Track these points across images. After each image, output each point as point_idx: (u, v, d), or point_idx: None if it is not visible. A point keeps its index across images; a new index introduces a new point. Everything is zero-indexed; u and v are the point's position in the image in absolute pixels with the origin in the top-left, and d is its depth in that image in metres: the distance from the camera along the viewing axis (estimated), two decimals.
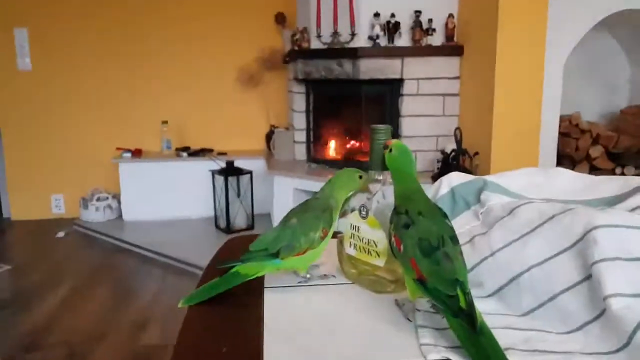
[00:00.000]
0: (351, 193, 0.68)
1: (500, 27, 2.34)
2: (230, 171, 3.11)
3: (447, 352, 0.48)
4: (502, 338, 0.50)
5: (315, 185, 2.76)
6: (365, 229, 0.64)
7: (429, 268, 0.49)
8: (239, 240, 0.83)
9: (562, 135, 2.74)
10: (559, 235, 0.56)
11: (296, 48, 2.99)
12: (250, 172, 3.16)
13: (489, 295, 0.60)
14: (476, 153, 2.49)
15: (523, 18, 2.35)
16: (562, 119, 2.71)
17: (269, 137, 3.52)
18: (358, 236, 0.65)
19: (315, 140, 3.19)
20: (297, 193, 2.94)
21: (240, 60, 3.48)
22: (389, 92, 2.81)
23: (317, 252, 0.65)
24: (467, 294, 0.48)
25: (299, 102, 3.18)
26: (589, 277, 0.53)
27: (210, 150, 3.49)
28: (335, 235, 0.68)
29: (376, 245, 0.63)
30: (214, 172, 3.18)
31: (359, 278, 0.66)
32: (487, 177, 0.75)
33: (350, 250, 0.66)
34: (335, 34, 2.80)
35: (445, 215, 0.55)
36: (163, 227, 3.23)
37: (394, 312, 0.58)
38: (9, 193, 3.58)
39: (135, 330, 2.02)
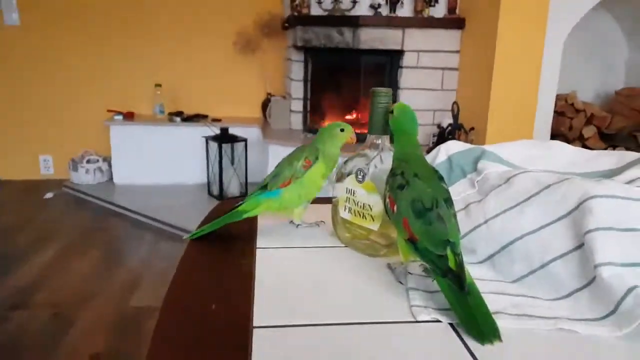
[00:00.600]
0: (336, 146, 0.68)
1: (503, 1, 2.31)
2: (225, 138, 3.09)
3: (436, 313, 0.48)
4: (492, 303, 0.51)
5: None
6: (361, 193, 0.64)
7: (420, 228, 0.50)
8: (230, 204, 0.82)
9: (557, 114, 2.74)
10: (555, 204, 0.56)
11: (296, 14, 2.93)
12: (245, 140, 3.14)
13: (480, 262, 0.60)
14: (472, 128, 2.49)
15: None
16: (558, 97, 2.70)
17: (265, 105, 3.48)
18: (353, 200, 0.65)
19: (312, 110, 3.16)
20: None
21: (237, 24, 3.40)
22: (388, 63, 2.78)
23: (302, 184, 0.67)
24: (457, 254, 0.48)
25: (297, 70, 3.14)
26: (581, 245, 0.53)
27: (205, 117, 3.45)
28: (330, 200, 0.68)
29: (371, 209, 0.63)
30: (207, 139, 3.16)
31: (352, 242, 0.66)
32: (485, 147, 0.74)
33: (344, 214, 0.66)
34: (337, 0, 2.75)
35: (441, 178, 0.55)
36: (155, 191, 3.22)
37: (386, 275, 0.58)
38: None
39: (124, 292, 2.03)
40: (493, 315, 0.48)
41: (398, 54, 2.73)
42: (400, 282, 0.55)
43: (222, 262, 0.60)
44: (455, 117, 2.53)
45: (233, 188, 3.12)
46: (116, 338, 1.73)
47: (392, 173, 0.56)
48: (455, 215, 0.52)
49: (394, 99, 2.78)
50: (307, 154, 0.67)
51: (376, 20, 2.66)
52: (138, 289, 2.06)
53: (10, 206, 3.14)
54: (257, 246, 0.65)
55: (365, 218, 0.63)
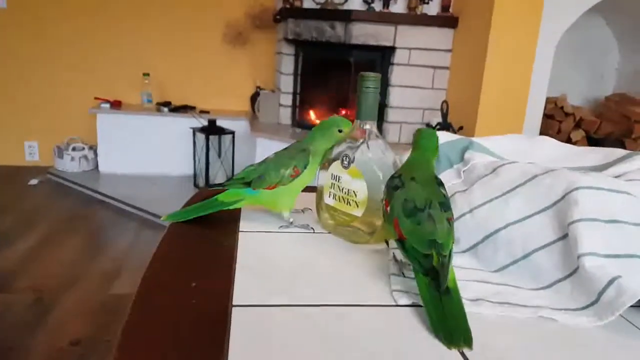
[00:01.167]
0: (331, 145, 0.66)
1: (497, 1, 2.31)
2: (212, 130, 3.06)
3: (417, 298, 0.48)
4: (473, 290, 0.50)
5: None
6: (346, 178, 0.63)
7: (409, 227, 0.49)
8: (211, 193, 0.81)
9: (546, 116, 2.76)
10: (540, 195, 0.56)
11: (287, 6, 2.91)
12: (233, 133, 3.12)
13: (464, 251, 0.60)
14: (460, 127, 2.50)
15: None
16: (548, 100, 2.72)
17: (254, 98, 3.46)
18: (338, 186, 0.64)
19: (302, 105, 3.15)
20: None
21: (228, 15, 3.38)
22: (379, 59, 2.77)
23: (287, 190, 0.65)
24: (442, 256, 0.47)
25: (287, 64, 3.12)
26: (565, 236, 0.53)
27: (193, 108, 3.42)
28: (315, 188, 0.67)
29: (356, 196, 0.62)
30: (195, 130, 3.13)
31: (335, 228, 0.65)
32: (473, 138, 0.74)
33: (329, 200, 0.65)
34: None
35: (441, 184, 0.54)
36: (140, 181, 3.19)
37: (368, 260, 0.57)
38: None
39: (106, 279, 2.01)
40: (474, 303, 0.48)
41: (390, 50, 2.72)
42: (403, 275, 0.54)
43: (204, 244, 0.59)
44: (445, 116, 2.54)
45: (219, 180, 3.10)
46: (97, 324, 1.71)
47: (391, 176, 0.56)
48: (450, 220, 0.50)
49: (385, 95, 2.78)
50: (296, 162, 0.65)
51: (369, 16, 2.65)
52: (120, 276, 2.03)
53: None
54: (240, 229, 0.64)
55: (350, 204, 0.63)
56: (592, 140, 2.76)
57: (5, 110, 3.42)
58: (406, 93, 2.78)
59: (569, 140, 2.79)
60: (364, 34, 2.67)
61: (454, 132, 2.51)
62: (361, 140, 0.63)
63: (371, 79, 0.62)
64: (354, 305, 0.47)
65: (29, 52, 3.36)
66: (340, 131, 0.65)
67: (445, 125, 2.52)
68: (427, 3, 2.68)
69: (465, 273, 0.55)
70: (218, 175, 3.10)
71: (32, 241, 2.33)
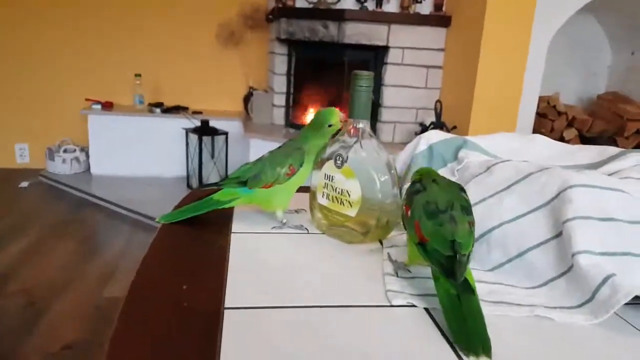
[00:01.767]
0: (325, 141, 0.66)
1: (490, 1, 2.32)
2: (205, 131, 3.05)
3: (412, 298, 0.47)
4: None
5: None
6: (340, 178, 0.62)
7: (431, 229, 0.48)
8: (205, 193, 0.80)
9: (539, 115, 2.77)
10: (534, 193, 0.56)
11: (280, 6, 2.90)
12: (226, 133, 3.10)
13: None
14: (454, 127, 2.50)
15: None
16: (541, 99, 2.73)
17: (247, 99, 3.45)
18: (332, 186, 0.63)
19: (295, 105, 3.14)
20: None
21: (220, 14, 3.36)
22: (373, 59, 2.77)
23: (283, 189, 0.65)
24: (462, 255, 0.45)
25: (280, 64, 3.11)
26: (559, 234, 0.52)
27: (185, 109, 3.40)
28: (309, 189, 0.67)
29: (349, 195, 0.61)
30: (187, 131, 3.11)
31: (329, 228, 0.65)
32: (467, 137, 0.73)
33: (322, 200, 0.65)
34: None
35: (463, 190, 0.53)
36: (132, 183, 3.16)
37: (362, 260, 0.57)
38: None
39: (99, 283, 1.99)
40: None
41: (383, 50, 2.72)
42: (397, 275, 0.53)
43: (196, 245, 0.58)
44: (438, 115, 2.54)
45: (212, 181, 3.08)
46: (89, 328, 1.69)
47: (412, 183, 0.55)
48: (472, 224, 0.49)
49: (378, 94, 2.78)
50: (291, 161, 0.64)
51: (362, 15, 2.65)
52: (112, 279, 2.02)
53: None
54: (232, 231, 0.63)
55: (343, 204, 0.62)
56: (585, 139, 2.77)
57: None
58: (400, 93, 2.78)
59: (561, 139, 2.80)
60: (357, 33, 2.67)
61: (448, 131, 2.51)
62: (354, 140, 0.62)
63: (364, 78, 0.61)
64: (348, 306, 0.46)
65: (20, 53, 3.33)
66: (330, 126, 0.65)
67: (438, 125, 2.52)
68: (420, 2, 2.68)
69: None
70: (211, 176, 3.08)
71: (23, 244, 2.30)
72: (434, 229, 0.47)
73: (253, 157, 2.99)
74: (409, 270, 0.53)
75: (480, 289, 0.50)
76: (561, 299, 0.49)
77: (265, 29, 3.34)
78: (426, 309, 0.46)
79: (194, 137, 3.04)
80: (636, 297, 0.45)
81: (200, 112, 3.36)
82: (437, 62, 2.76)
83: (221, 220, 0.66)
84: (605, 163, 0.67)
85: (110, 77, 3.44)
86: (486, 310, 0.46)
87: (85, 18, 3.34)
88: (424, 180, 0.54)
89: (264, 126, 3.15)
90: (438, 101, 2.57)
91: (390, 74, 2.76)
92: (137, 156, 3.28)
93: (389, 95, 2.78)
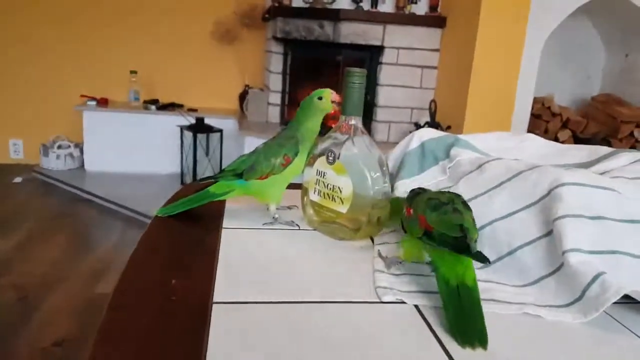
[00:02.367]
0: (319, 121, 0.66)
1: (485, 1, 2.32)
2: (200, 128, 3.04)
3: (401, 295, 0.47)
4: None
5: None
6: (331, 174, 0.62)
7: (436, 218, 0.49)
8: (199, 187, 0.80)
9: (533, 116, 2.78)
10: (525, 191, 0.56)
11: (276, 5, 2.90)
12: (221, 131, 3.09)
13: None
14: (448, 127, 2.50)
15: None
16: (535, 100, 2.74)
17: (242, 97, 3.44)
18: (323, 182, 0.63)
19: (290, 103, 3.14)
20: None
21: (217, 12, 3.35)
22: (368, 59, 2.77)
23: (279, 179, 0.65)
24: (471, 239, 0.47)
25: (276, 62, 3.11)
26: (550, 232, 0.52)
27: (180, 106, 3.39)
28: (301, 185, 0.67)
29: (341, 192, 0.61)
30: (182, 128, 3.10)
31: (320, 225, 0.64)
32: (459, 135, 0.73)
33: (314, 197, 0.65)
34: None
35: (459, 196, 0.54)
36: (126, 179, 3.15)
37: (352, 257, 0.57)
38: None
39: (91, 279, 1.98)
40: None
41: (378, 49, 2.72)
42: (387, 270, 0.53)
43: (186, 240, 0.58)
44: (433, 115, 2.54)
45: None
46: (81, 324, 1.69)
47: (411, 190, 0.57)
48: (472, 218, 0.50)
49: (373, 94, 2.78)
50: (286, 150, 0.64)
51: (357, 15, 2.65)
52: (105, 276, 2.01)
53: None
54: (223, 226, 0.63)
55: (335, 200, 0.62)
56: (579, 140, 2.78)
57: None
58: (394, 92, 2.78)
59: (556, 140, 2.80)
60: (352, 33, 2.67)
61: (442, 131, 2.51)
62: (346, 136, 0.62)
63: (357, 75, 0.61)
64: (337, 302, 0.46)
65: (15, 49, 3.31)
66: (320, 98, 0.64)
67: (433, 125, 2.52)
68: (416, 3, 2.68)
69: None
70: (205, 174, 3.08)
71: (16, 240, 2.29)
72: (439, 218, 0.49)
73: None
74: (401, 263, 0.54)
75: None
76: (551, 297, 0.49)
77: (261, 27, 3.34)
78: (416, 306, 0.46)
79: (188, 135, 3.03)
80: (626, 296, 0.45)
81: (195, 110, 3.35)
82: (432, 63, 2.77)
83: (212, 216, 0.66)
84: (597, 162, 0.67)
85: (106, 74, 3.42)
86: None
87: (81, 14, 3.32)
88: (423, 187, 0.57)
89: (259, 124, 3.14)
90: (433, 101, 2.58)
91: (386, 74, 2.76)
92: (131, 153, 3.27)
93: (384, 95, 2.78)
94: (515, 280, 0.52)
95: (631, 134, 2.72)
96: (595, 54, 3.03)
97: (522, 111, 2.63)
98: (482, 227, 0.57)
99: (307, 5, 2.79)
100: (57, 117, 3.42)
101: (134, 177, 3.21)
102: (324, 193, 0.63)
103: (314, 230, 0.65)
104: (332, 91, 0.65)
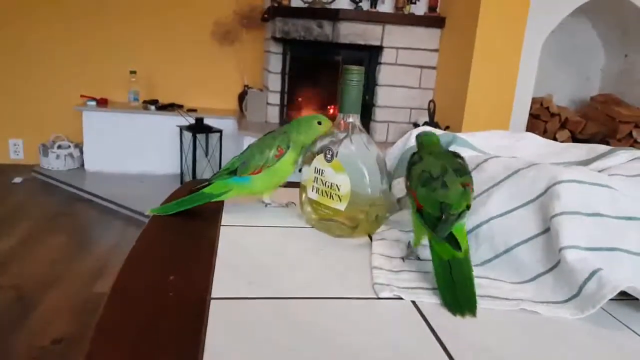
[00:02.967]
0: (310, 139, 0.66)
1: (484, 2, 2.33)
2: (199, 128, 3.04)
3: (399, 291, 0.47)
4: None
5: None
6: (330, 172, 0.62)
7: (424, 195, 0.51)
8: (198, 186, 0.80)
9: (532, 116, 2.78)
10: (523, 189, 0.56)
11: (276, 5, 2.90)
12: (220, 131, 3.10)
13: None
14: (447, 127, 2.50)
15: None
16: (534, 100, 2.74)
17: (241, 97, 3.44)
18: (321, 180, 0.63)
19: (290, 104, 3.14)
20: None
21: (216, 13, 3.35)
22: (367, 59, 2.77)
23: (273, 172, 0.65)
24: (451, 215, 0.49)
25: (275, 63, 3.11)
26: (547, 230, 0.53)
27: (180, 106, 3.39)
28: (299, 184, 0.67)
29: (339, 189, 0.61)
30: (182, 128, 3.10)
31: (318, 222, 0.65)
32: (457, 134, 0.74)
33: (312, 194, 0.65)
34: None
35: (457, 156, 0.56)
36: (126, 180, 3.15)
37: (350, 254, 0.57)
38: None
39: (90, 278, 1.98)
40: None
41: (377, 49, 2.73)
42: (403, 260, 0.55)
43: (184, 237, 0.58)
44: (432, 115, 2.55)
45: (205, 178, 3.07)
46: (79, 323, 1.69)
47: (411, 154, 0.58)
48: (466, 185, 0.52)
49: (372, 94, 2.78)
50: (279, 142, 0.65)
51: (356, 15, 2.65)
52: (103, 275, 2.01)
53: None
54: (222, 224, 0.63)
55: (333, 198, 0.62)
56: (578, 141, 2.79)
57: None
58: (394, 92, 2.79)
59: (554, 140, 2.81)
60: (351, 33, 2.67)
61: None
62: (344, 134, 0.62)
63: (355, 72, 0.61)
64: (334, 298, 0.46)
65: (15, 49, 3.31)
66: (319, 123, 0.66)
67: (432, 125, 2.53)
68: (415, 3, 2.69)
69: None
70: (205, 174, 3.08)
71: (15, 239, 2.29)
72: (427, 195, 0.51)
73: None
74: (419, 258, 0.55)
75: None
76: (548, 294, 0.49)
77: (260, 27, 3.34)
78: (413, 302, 0.46)
79: (188, 135, 3.03)
80: (622, 293, 0.46)
81: (194, 110, 3.35)
82: (431, 63, 2.77)
83: (211, 213, 0.66)
84: (594, 160, 0.68)
85: (105, 74, 3.42)
86: None
87: (81, 14, 3.32)
88: (421, 151, 0.58)
89: (258, 124, 3.14)
90: (431, 101, 2.58)
91: (384, 74, 2.76)
92: (131, 153, 3.27)
93: (382, 95, 2.79)
94: (513, 277, 0.53)
95: (630, 134, 2.72)
96: (594, 54, 3.04)
97: (521, 111, 2.63)
98: (480, 224, 0.57)
99: (306, 5, 2.79)
100: (57, 118, 3.42)
101: (133, 177, 3.21)
102: (322, 191, 0.63)
103: (312, 227, 0.65)
104: (332, 124, 0.64)
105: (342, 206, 0.61)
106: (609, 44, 2.98)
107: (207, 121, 3.10)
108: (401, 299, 0.47)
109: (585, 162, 0.69)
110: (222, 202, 0.69)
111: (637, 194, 0.54)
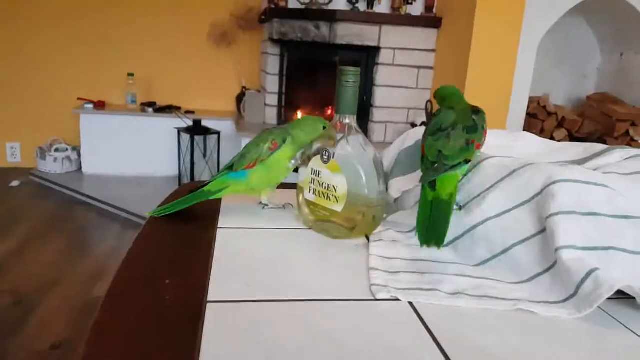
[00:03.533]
0: (311, 139, 0.66)
1: (480, 2, 2.33)
2: (197, 130, 3.04)
3: (396, 292, 0.47)
4: (453, 283, 0.50)
5: None
6: (326, 173, 0.62)
7: (429, 144, 0.57)
8: (195, 186, 0.80)
9: (529, 115, 2.79)
10: (519, 189, 0.56)
11: (273, 6, 2.90)
12: (218, 133, 3.09)
13: (444, 246, 0.59)
14: None
15: None
16: (531, 99, 2.74)
17: (239, 98, 3.44)
18: (318, 181, 0.63)
19: (287, 105, 3.14)
20: None
21: (213, 15, 3.35)
22: (364, 59, 2.78)
23: (268, 166, 0.65)
24: (442, 163, 0.55)
25: (273, 64, 3.11)
26: (543, 230, 0.53)
27: (178, 108, 3.39)
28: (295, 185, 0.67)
29: (336, 191, 0.61)
30: (180, 130, 3.10)
31: (315, 224, 0.65)
32: None
33: (309, 196, 0.65)
34: None
35: (477, 113, 0.61)
36: (124, 182, 3.15)
37: (347, 255, 0.57)
38: None
39: (88, 282, 1.98)
40: (453, 296, 0.48)
41: (374, 50, 2.73)
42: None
43: (181, 240, 0.58)
44: (429, 115, 2.55)
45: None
46: (78, 327, 1.68)
47: (438, 109, 0.64)
48: (472, 142, 0.57)
49: (370, 94, 2.78)
50: (274, 136, 0.66)
51: (353, 16, 2.65)
52: (102, 278, 2.00)
53: None
54: (219, 226, 0.63)
55: (330, 199, 0.62)
56: (575, 139, 2.79)
57: None
58: (391, 93, 2.79)
59: (552, 139, 2.80)
60: (348, 34, 2.67)
61: None
62: (341, 135, 0.62)
63: (351, 73, 0.61)
64: (332, 300, 0.46)
65: (12, 52, 3.31)
66: (324, 127, 0.66)
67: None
68: (411, 3, 2.69)
69: (445, 267, 0.54)
70: (203, 176, 3.08)
71: (12, 243, 2.28)
72: (430, 144, 0.57)
73: None
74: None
75: (465, 283, 0.51)
76: (545, 294, 0.49)
77: (258, 29, 3.34)
78: (410, 303, 0.46)
79: (186, 137, 3.03)
80: (619, 292, 0.46)
81: (192, 112, 3.35)
82: (428, 63, 2.77)
83: (208, 215, 0.66)
84: (590, 159, 0.68)
85: (103, 77, 3.42)
86: (469, 303, 0.47)
87: (78, 17, 3.32)
88: (442, 105, 0.63)
89: (256, 125, 3.14)
90: (429, 101, 2.58)
91: (382, 74, 2.76)
92: (129, 155, 3.27)
93: (380, 96, 2.79)
94: (510, 277, 0.53)
95: (627, 133, 2.73)
96: (590, 53, 3.04)
97: (518, 110, 2.63)
98: (476, 225, 0.57)
99: (303, 7, 2.79)
100: (54, 121, 3.41)
101: (131, 179, 3.20)
102: (319, 192, 0.63)
103: (310, 229, 0.65)
104: (335, 133, 0.62)
105: (339, 207, 0.61)
106: (604, 43, 2.99)
107: (205, 123, 3.10)
108: (398, 300, 0.47)
109: (581, 161, 0.69)
110: (219, 205, 0.69)
111: (632, 193, 0.54)
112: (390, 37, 2.69)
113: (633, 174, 0.60)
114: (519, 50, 2.46)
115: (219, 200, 0.70)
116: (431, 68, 2.78)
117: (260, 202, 0.70)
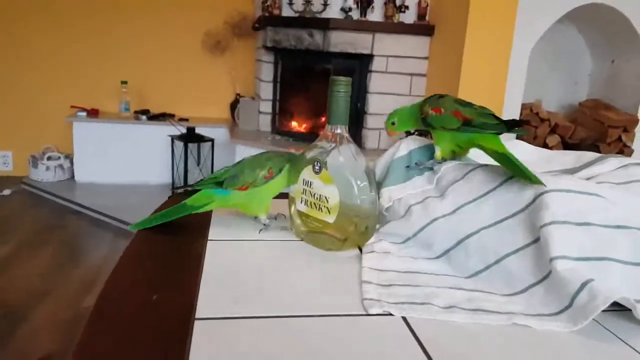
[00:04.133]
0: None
1: (472, 10, 2.34)
2: (191, 138, 3.02)
3: (389, 307, 0.46)
4: (446, 297, 0.49)
5: None
6: (318, 184, 0.62)
7: (473, 111, 0.63)
8: (182, 198, 0.79)
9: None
10: (511, 199, 0.56)
11: (267, 14, 2.90)
12: (212, 140, 3.08)
13: (437, 257, 0.58)
14: None
15: (494, 3, 2.35)
16: (524, 106, 2.75)
17: (233, 106, 3.44)
18: (310, 192, 0.63)
19: (281, 112, 3.14)
20: None
21: (207, 23, 3.35)
22: (358, 67, 2.78)
23: (260, 193, 0.64)
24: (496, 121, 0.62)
25: (267, 71, 3.11)
26: (537, 240, 0.52)
27: (172, 115, 3.37)
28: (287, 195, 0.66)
29: (327, 202, 0.61)
30: (173, 138, 3.08)
31: (307, 235, 0.64)
32: None
33: (301, 207, 0.64)
34: (308, 2, 2.74)
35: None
36: (117, 190, 3.12)
37: (339, 268, 0.56)
38: None
39: (78, 292, 1.95)
40: (447, 310, 0.47)
41: (368, 58, 2.74)
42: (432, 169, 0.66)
43: (170, 253, 0.57)
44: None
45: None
46: (68, 339, 1.66)
47: (430, 97, 0.70)
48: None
49: (363, 102, 2.79)
50: (272, 164, 0.64)
51: (347, 24, 2.66)
52: (94, 289, 1.98)
53: None
54: (209, 238, 0.62)
55: (322, 210, 0.61)
56: (568, 145, 2.80)
57: None
58: (384, 100, 2.79)
59: (545, 145, 2.82)
60: (342, 41, 2.68)
61: (431, 138, 2.52)
62: (332, 145, 0.62)
63: (342, 83, 0.61)
64: (323, 316, 0.45)
65: (4, 60, 3.29)
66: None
67: (423, 132, 2.53)
68: (404, 12, 2.70)
69: (439, 280, 0.54)
70: None
71: (3, 253, 2.26)
72: (475, 111, 0.63)
73: None
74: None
75: (459, 296, 0.50)
76: (540, 306, 0.49)
77: (252, 37, 3.34)
78: (403, 318, 0.46)
79: (179, 144, 3.01)
80: (615, 304, 0.45)
81: (186, 119, 3.33)
82: (421, 70, 2.78)
83: (198, 227, 0.65)
84: (583, 168, 0.67)
85: (96, 85, 3.40)
86: (464, 318, 0.46)
87: (71, 25, 3.31)
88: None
89: (250, 133, 3.14)
90: None
91: (375, 82, 2.77)
92: (122, 163, 3.25)
93: (373, 103, 2.79)
94: (503, 289, 0.52)
95: (619, 139, 2.74)
96: (581, 60, 3.06)
97: (511, 117, 2.63)
98: (469, 235, 0.56)
99: (297, 15, 2.80)
100: (47, 129, 3.39)
101: (124, 187, 3.18)
102: (310, 203, 0.63)
103: (301, 240, 0.64)
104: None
105: (331, 218, 0.60)
106: (595, 49, 3.01)
107: (199, 130, 3.08)
108: (391, 315, 0.46)
109: (574, 170, 0.69)
110: (209, 217, 0.68)
111: (626, 202, 0.54)
112: (384, 45, 2.70)
113: (626, 183, 0.59)
114: (511, 57, 2.47)
115: (209, 211, 0.69)
116: (424, 75, 2.79)
117: (260, 221, 0.67)
